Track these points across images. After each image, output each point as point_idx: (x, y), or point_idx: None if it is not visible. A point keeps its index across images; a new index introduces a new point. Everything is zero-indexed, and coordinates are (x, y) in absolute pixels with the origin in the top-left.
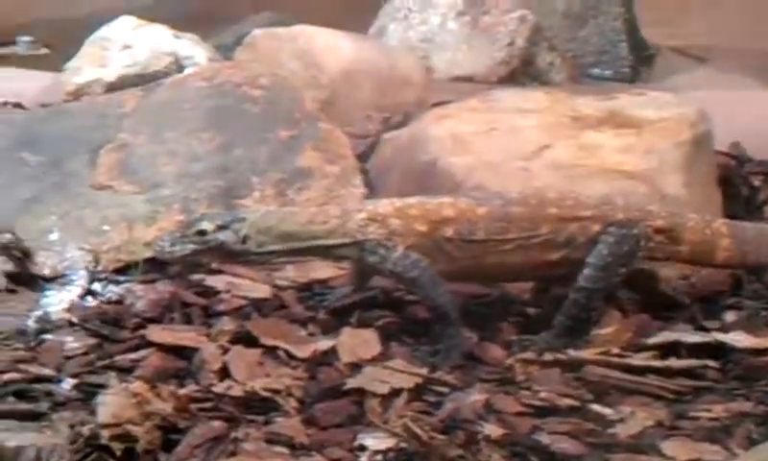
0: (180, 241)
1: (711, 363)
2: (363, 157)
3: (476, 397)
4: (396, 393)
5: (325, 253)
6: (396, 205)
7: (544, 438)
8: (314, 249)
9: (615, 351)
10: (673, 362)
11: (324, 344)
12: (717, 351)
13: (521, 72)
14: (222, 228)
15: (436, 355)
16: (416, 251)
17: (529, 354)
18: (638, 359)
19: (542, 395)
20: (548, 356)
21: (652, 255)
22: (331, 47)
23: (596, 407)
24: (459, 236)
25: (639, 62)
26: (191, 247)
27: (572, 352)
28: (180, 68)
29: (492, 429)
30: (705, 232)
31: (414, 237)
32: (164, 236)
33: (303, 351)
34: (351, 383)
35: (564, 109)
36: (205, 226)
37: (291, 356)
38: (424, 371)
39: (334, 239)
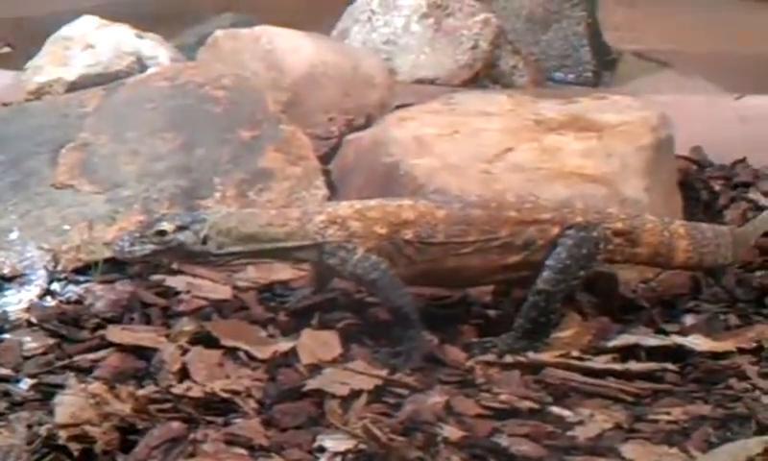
0: (140, 241)
1: (670, 366)
2: (325, 159)
3: (436, 399)
4: (355, 394)
5: (285, 255)
6: (356, 207)
7: (504, 440)
8: (274, 251)
9: (575, 353)
10: (632, 365)
11: (284, 345)
12: (676, 354)
13: (484, 75)
14: (182, 228)
15: (397, 357)
16: (376, 253)
17: (489, 357)
18: (598, 362)
19: (502, 397)
20: (508, 359)
21: (611, 258)
22: (294, 48)
23: (556, 410)
24: (418, 239)
25: (602, 67)
26: (150, 247)
27: (532, 355)
28: (143, 68)
29: (451, 431)
30: (663, 234)
31: (374, 240)
32: (123, 236)
33: (263, 352)
34: (311, 384)
35: (526, 112)
36: (165, 226)
37: (251, 357)
38: (384, 373)
39: (293, 241)
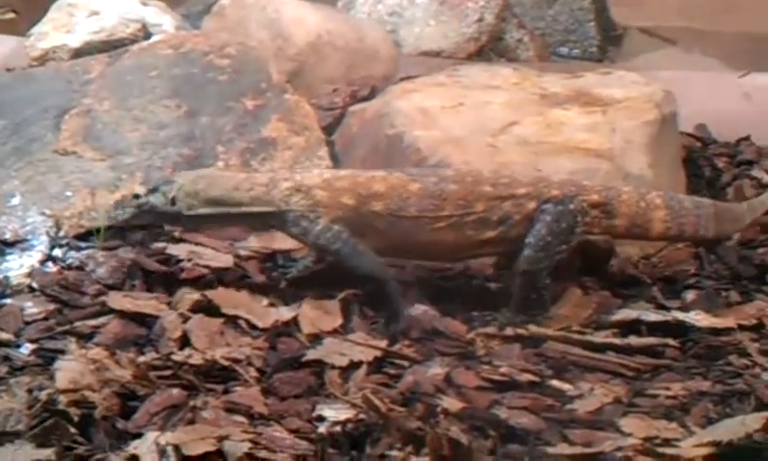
0: (122, 206)
1: (671, 342)
2: (329, 130)
3: (436, 370)
4: (355, 365)
5: (252, 220)
6: (324, 176)
7: (503, 412)
8: (240, 216)
9: (576, 327)
10: (633, 340)
11: (285, 314)
12: (677, 329)
13: (490, 48)
14: (152, 191)
15: (389, 325)
16: (342, 224)
17: (490, 329)
18: (598, 336)
19: (502, 370)
20: (509, 331)
21: (588, 230)
22: (299, 18)
23: (555, 383)
24: (389, 212)
25: (607, 42)
26: (129, 211)
27: (533, 328)
28: (148, 36)
29: (450, 403)
30: (639, 205)
31: (340, 210)
32: (110, 207)
33: (264, 322)
34: (311, 355)
35: (531, 86)
36: (138, 189)
37: (252, 326)
38: (384, 344)
39: (257, 207)
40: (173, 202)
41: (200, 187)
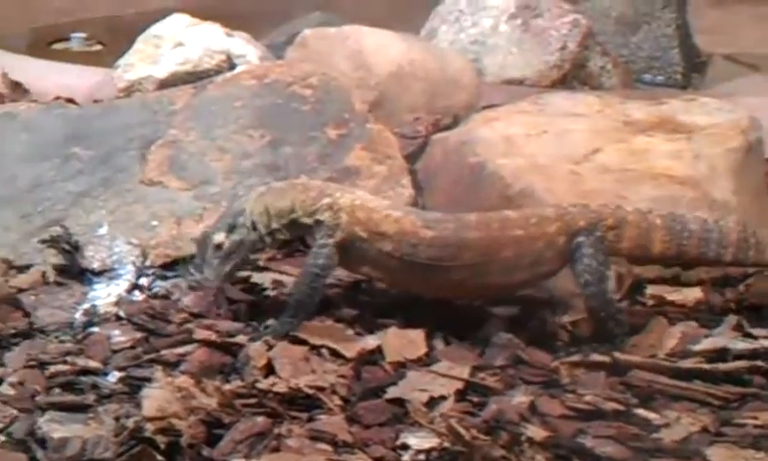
0: (208, 265)
1: (761, 366)
2: (412, 159)
3: (520, 398)
4: (438, 400)
5: (303, 230)
6: (353, 201)
7: (588, 441)
8: (295, 224)
9: (662, 356)
10: (720, 367)
11: (369, 343)
12: (764, 358)
13: (573, 76)
14: (231, 230)
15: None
16: (355, 251)
17: (575, 358)
18: (685, 365)
19: (587, 398)
20: (595, 358)
21: None
22: (381, 48)
23: (641, 412)
24: (400, 254)
25: (691, 69)
26: (216, 263)
27: (618, 356)
28: (232, 66)
29: (535, 431)
30: (641, 226)
31: (352, 238)
32: (189, 270)
33: (349, 351)
34: (392, 392)
35: (615, 113)
36: (217, 239)
37: (337, 354)
38: (467, 373)
39: (304, 217)
40: (254, 227)
41: (267, 202)
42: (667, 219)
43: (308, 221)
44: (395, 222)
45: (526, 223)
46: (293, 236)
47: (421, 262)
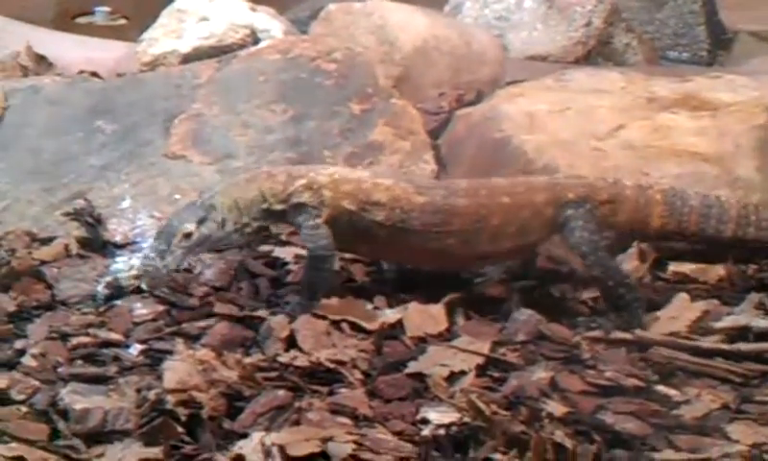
0: (171, 253)
1: None
2: (435, 134)
3: (541, 374)
4: (459, 374)
5: (277, 217)
6: (333, 176)
7: (609, 417)
8: (267, 213)
9: (683, 333)
10: (741, 346)
11: (390, 317)
12: None
13: (597, 53)
14: (201, 222)
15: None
16: (343, 225)
17: (595, 333)
18: (706, 342)
19: (608, 374)
20: (616, 335)
21: None
22: (406, 23)
23: (662, 388)
24: (391, 223)
25: (717, 46)
26: (181, 253)
27: (639, 333)
28: (256, 41)
29: (555, 407)
30: (639, 201)
31: (340, 213)
32: (147, 257)
33: (371, 324)
34: (413, 367)
35: (639, 90)
36: (188, 228)
37: (358, 329)
38: (487, 349)
39: (276, 205)
40: (223, 224)
41: (235, 196)
42: (668, 194)
43: (281, 207)
44: (386, 190)
45: (513, 191)
46: (267, 226)
47: (413, 229)
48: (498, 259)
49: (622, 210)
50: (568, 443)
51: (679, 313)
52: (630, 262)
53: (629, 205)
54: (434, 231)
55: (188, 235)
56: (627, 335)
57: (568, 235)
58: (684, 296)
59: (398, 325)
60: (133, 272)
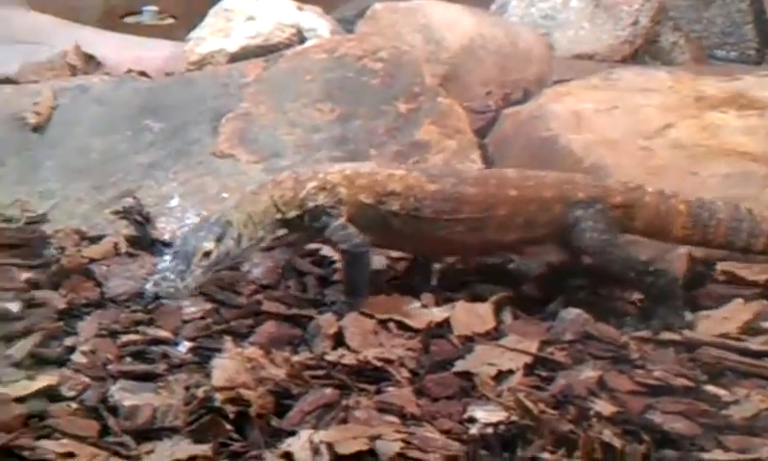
0: (191, 274)
1: None
2: (482, 133)
3: (589, 373)
4: (506, 374)
5: (292, 225)
6: (345, 173)
7: (657, 417)
8: (281, 223)
9: (732, 333)
10: None
11: (437, 316)
12: None
13: (644, 52)
14: (219, 240)
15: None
16: (361, 220)
17: (643, 333)
18: (756, 343)
19: (656, 374)
20: (664, 336)
21: None
22: (452, 22)
23: (710, 388)
24: (405, 212)
25: (765, 44)
26: (201, 272)
27: (688, 333)
28: (303, 40)
29: (603, 406)
30: (659, 209)
31: (358, 208)
32: (166, 278)
33: (418, 322)
34: (460, 366)
35: (687, 89)
36: (208, 246)
37: (405, 327)
38: (535, 348)
39: (292, 212)
40: (239, 240)
41: (248, 211)
42: (693, 206)
43: (296, 214)
44: (400, 179)
45: (522, 184)
46: (284, 232)
47: (426, 217)
48: (506, 251)
49: (640, 217)
50: (617, 442)
51: (732, 314)
52: (679, 262)
53: (647, 212)
54: (444, 219)
55: (207, 254)
56: (675, 336)
57: (579, 236)
58: (738, 300)
59: (446, 323)
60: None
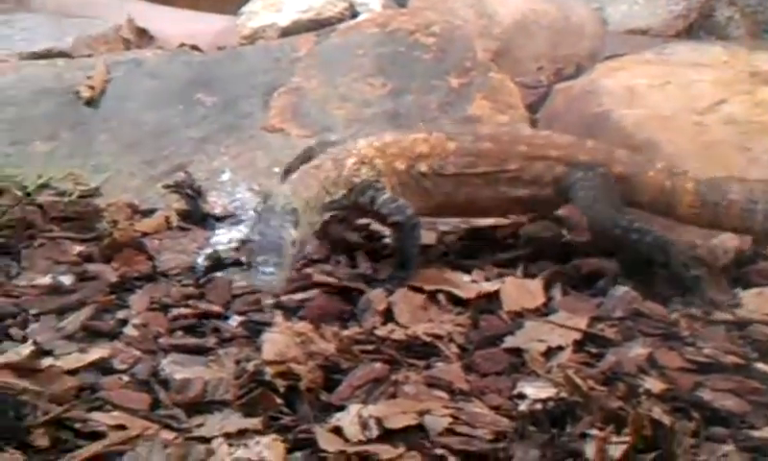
0: (281, 266)
1: None
2: (533, 108)
3: (638, 350)
4: (556, 350)
5: (339, 205)
6: (375, 144)
7: (707, 394)
8: (331, 204)
9: None
10: None
11: (486, 288)
12: None
13: (699, 26)
14: (296, 226)
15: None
16: (399, 187)
17: (694, 310)
18: None
19: (706, 351)
20: (715, 313)
21: None
22: None
23: (761, 366)
24: (432, 171)
25: None
26: (292, 260)
27: (739, 312)
28: (354, 14)
29: (653, 384)
30: (665, 184)
31: (395, 176)
32: (265, 273)
33: (468, 293)
34: (510, 342)
35: (741, 64)
36: (293, 235)
37: (455, 302)
38: (585, 324)
39: (340, 191)
40: (305, 226)
41: (305, 197)
42: (702, 185)
43: (343, 192)
44: (424, 141)
45: (532, 141)
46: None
47: (449, 175)
48: (520, 207)
49: (643, 191)
50: (666, 419)
51: None
52: (729, 240)
53: (650, 187)
54: (465, 173)
55: (294, 243)
56: (727, 315)
57: (574, 194)
58: None
59: (495, 298)
60: (233, 244)
